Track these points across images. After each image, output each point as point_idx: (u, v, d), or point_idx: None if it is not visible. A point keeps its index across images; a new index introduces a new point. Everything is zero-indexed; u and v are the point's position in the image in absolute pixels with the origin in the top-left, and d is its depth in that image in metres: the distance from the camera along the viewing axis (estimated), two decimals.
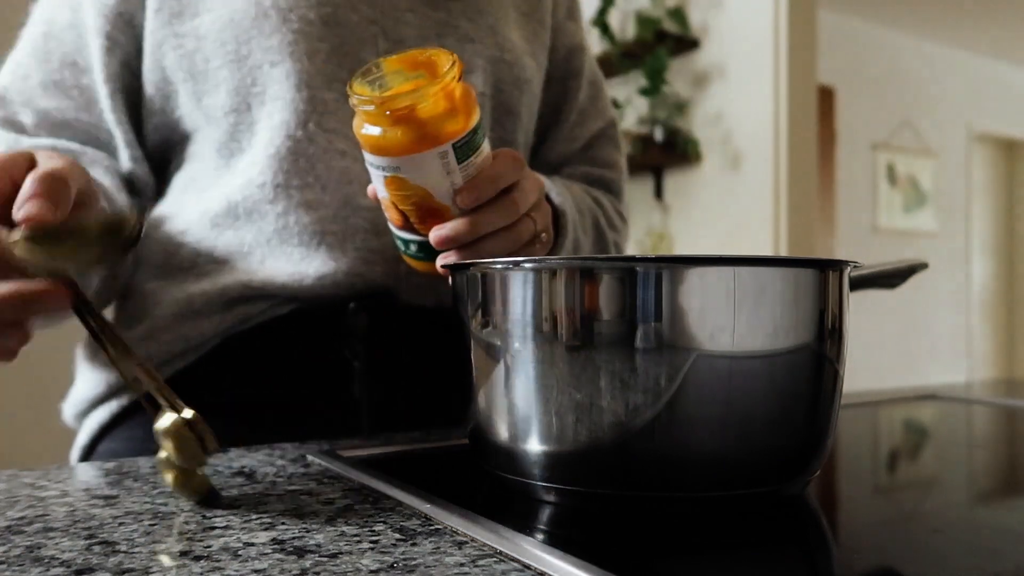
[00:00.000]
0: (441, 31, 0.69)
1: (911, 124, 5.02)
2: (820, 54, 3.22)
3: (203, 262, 0.67)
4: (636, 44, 3.01)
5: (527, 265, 0.38)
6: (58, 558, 0.32)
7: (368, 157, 0.51)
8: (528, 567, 0.31)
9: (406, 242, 0.56)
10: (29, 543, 0.34)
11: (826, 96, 4.39)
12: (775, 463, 0.39)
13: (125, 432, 0.67)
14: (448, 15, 0.70)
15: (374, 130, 0.50)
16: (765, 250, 2.73)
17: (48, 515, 0.38)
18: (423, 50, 0.53)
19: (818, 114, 2.98)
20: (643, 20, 3.00)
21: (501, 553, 0.32)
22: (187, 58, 0.66)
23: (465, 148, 0.51)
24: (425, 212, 0.52)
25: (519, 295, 0.38)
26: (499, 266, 0.39)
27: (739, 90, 2.87)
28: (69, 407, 0.71)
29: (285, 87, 0.65)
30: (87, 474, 0.47)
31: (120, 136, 0.68)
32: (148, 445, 0.65)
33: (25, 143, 0.66)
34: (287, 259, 0.65)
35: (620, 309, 0.36)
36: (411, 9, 0.69)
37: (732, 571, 0.32)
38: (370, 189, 0.57)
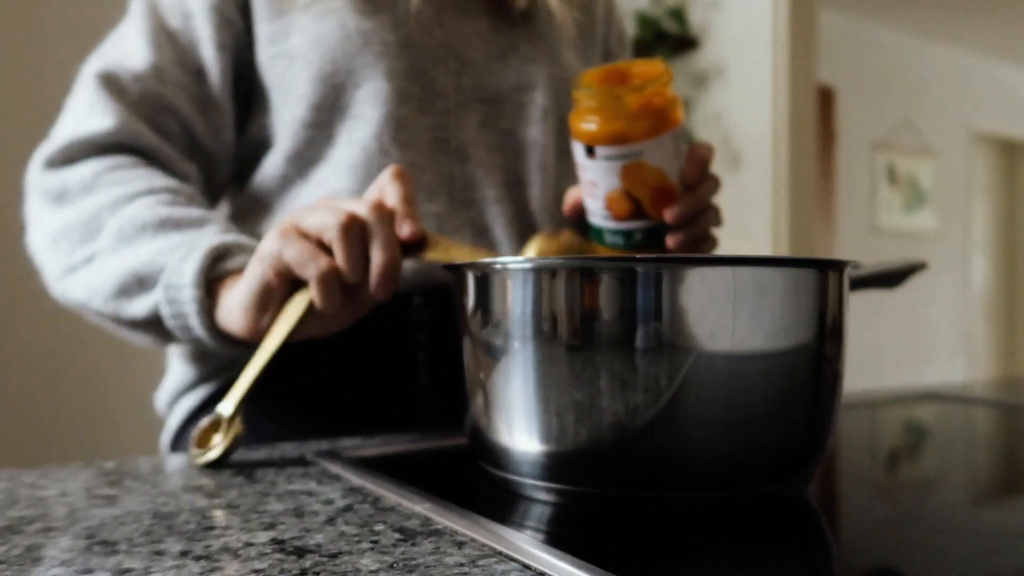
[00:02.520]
0: (505, 52, 0.75)
1: (911, 124, 5.02)
2: (820, 54, 3.22)
3: None
4: (636, 44, 3.01)
5: (527, 265, 0.38)
6: (58, 558, 0.32)
7: (605, 151, 0.57)
8: (528, 567, 0.31)
9: (629, 233, 0.60)
10: (29, 543, 0.34)
11: (826, 96, 4.39)
12: (775, 463, 0.39)
13: None
14: (511, 39, 0.76)
15: (618, 122, 0.56)
16: (765, 250, 2.73)
17: (48, 515, 0.38)
18: (612, 65, 0.60)
19: (818, 114, 2.98)
20: (643, 20, 3.00)
21: (501, 553, 0.32)
22: (279, 77, 0.70)
23: (683, 131, 0.59)
24: (659, 194, 0.58)
25: (519, 295, 0.38)
26: (499, 266, 0.39)
27: (739, 90, 2.87)
28: (161, 395, 0.77)
29: (366, 105, 0.70)
30: (87, 474, 0.47)
31: (213, 128, 0.72)
32: None
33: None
34: None
35: (620, 309, 0.36)
36: (478, 34, 0.75)
37: (732, 571, 0.32)
38: (571, 198, 0.64)
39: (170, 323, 0.60)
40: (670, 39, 3.01)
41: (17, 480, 0.45)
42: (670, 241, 0.60)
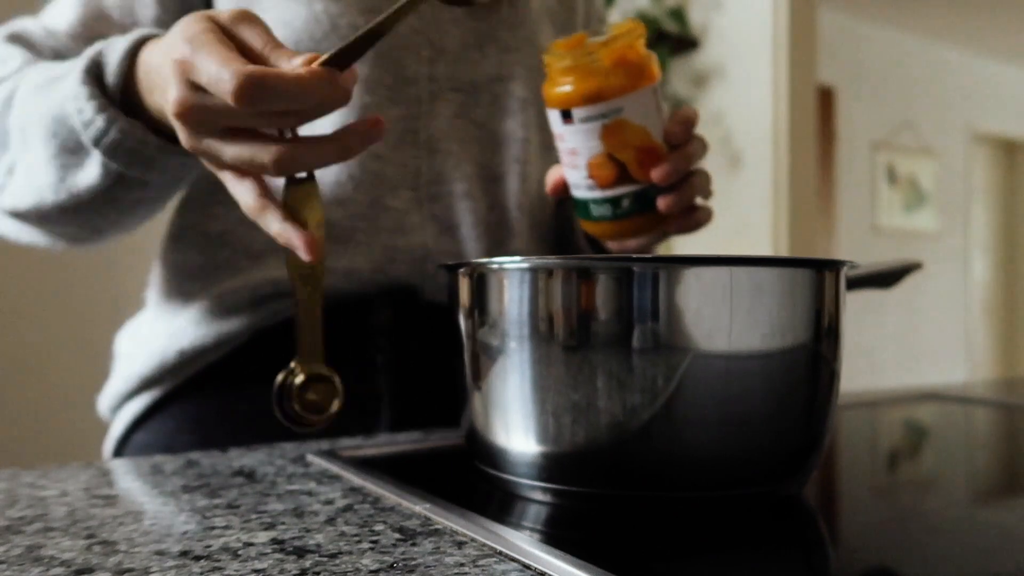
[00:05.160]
0: (482, 41, 0.72)
1: (911, 124, 5.02)
2: (820, 54, 3.22)
3: (240, 260, 0.68)
4: None
5: (524, 265, 0.38)
6: (58, 558, 0.32)
7: (583, 113, 0.54)
8: (528, 567, 0.31)
9: (616, 200, 0.57)
10: (29, 543, 0.34)
11: (826, 96, 4.39)
12: (772, 463, 0.39)
13: (157, 424, 0.69)
14: (489, 26, 0.72)
15: (593, 79, 0.54)
16: (765, 250, 2.73)
17: (48, 515, 0.38)
18: (580, 34, 0.58)
19: (818, 114, 2.98)
20: (643, 20, 3.00)
21: (501, 553, 0.33)
22: None
23: (661, 88, 0.56)
24: (644, 154, 0.55)
25: (516, 295, 0.38)
26: (495, 265, 0.40)
27: (739, 90, 2.87)
28: (104, 400, 0.73)
29: None
30: (87, 474, 0.47)
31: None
32: (179, 437, 0.67)
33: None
34: None
35: (617, 309, 0.36)
36: (454, 20, 0.71)
37: (730, 571, 0.32)
38: (553, 177, 0.62)
39: (106, 147, 0.53)
40: (670, 39, 3.01)
41: (17, 480, 0.45)
42: (661, 204, 0.57)
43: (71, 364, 1.93)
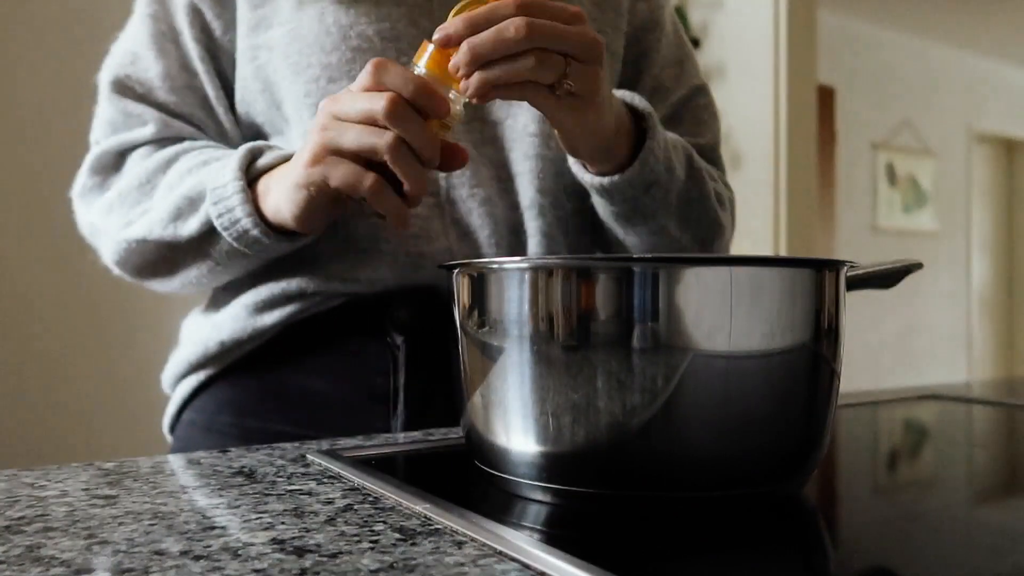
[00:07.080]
0: None
1: (911, 124, 5.02)
2: (820, 54, 3.22)
3: (275, 267, 0.71)
4: None
5: (523, 265, 0.39)
6: (58, 558, 0.32)
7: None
8: (528, 567, 0.31)
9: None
10: (29, 543, 0.34)
11: (826, 96, 4.40)
12: (772, 463, 0.39)
13: (200, 403, 0.75)
14: None
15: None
16: (765, 250, 2.73)
17: (48, 515, 0.38)
18: None
19: (818, 114, 2.98)
20: None
21: (501, 553, 0.33)
22: (261, 69, 0.70)
23: None
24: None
25: (515, 294, 0.38)
26: (495, 265, 0.40)
27: (739, 90, 2.87)
28: (165, 376, 0.79)
29: None
30: (87, 474, 0.47)
31: (228, 127, 0.74)
32: (218, 417, 0.73)
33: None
34: (343, 264, 0.69)
35: (617, 309, 0.36)
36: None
37: (731, 571, 0.32)
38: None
39: (222, 225, 0.63)
40: None
41: (17, 480, 0.45)
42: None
43: (87, 364, 1.93)
